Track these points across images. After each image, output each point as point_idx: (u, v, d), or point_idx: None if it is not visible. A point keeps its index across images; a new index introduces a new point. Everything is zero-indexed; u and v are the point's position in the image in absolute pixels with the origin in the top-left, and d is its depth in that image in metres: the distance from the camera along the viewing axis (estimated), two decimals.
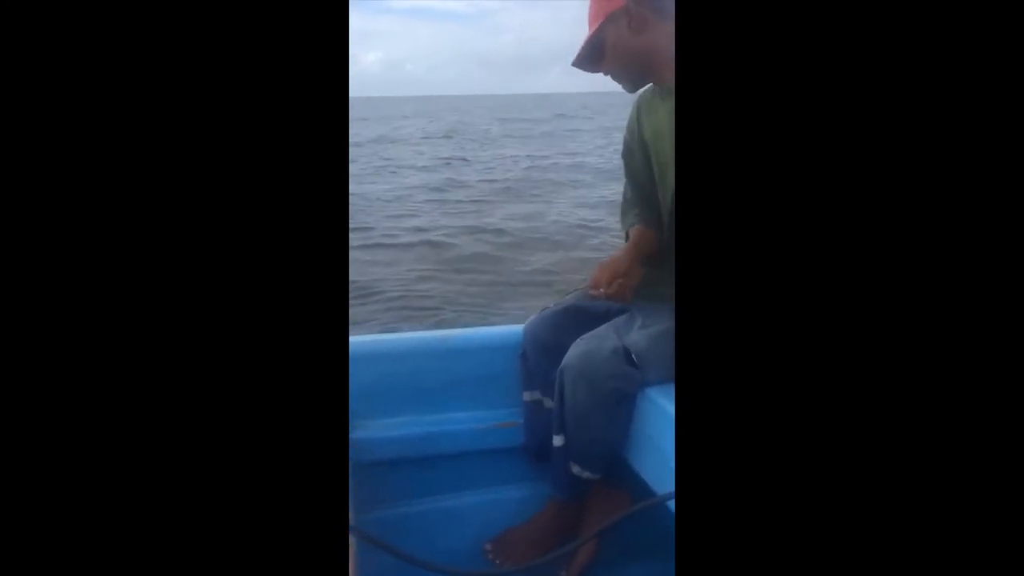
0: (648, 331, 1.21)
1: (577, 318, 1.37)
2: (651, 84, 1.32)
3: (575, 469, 1.27)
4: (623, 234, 1.45)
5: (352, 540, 0.88)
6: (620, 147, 1.47)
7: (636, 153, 1.40)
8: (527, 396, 1.43)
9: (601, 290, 1.28)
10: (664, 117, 1.27)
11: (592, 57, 1.26)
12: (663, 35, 1.19)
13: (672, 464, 1.10)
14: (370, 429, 1.39)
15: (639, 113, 1.38)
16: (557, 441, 1.28)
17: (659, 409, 1.16)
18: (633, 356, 1.18)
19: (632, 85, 1.29)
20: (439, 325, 4.12)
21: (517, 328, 1.46)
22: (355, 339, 1.41)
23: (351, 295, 4.53)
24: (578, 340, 1.24)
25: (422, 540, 1.40)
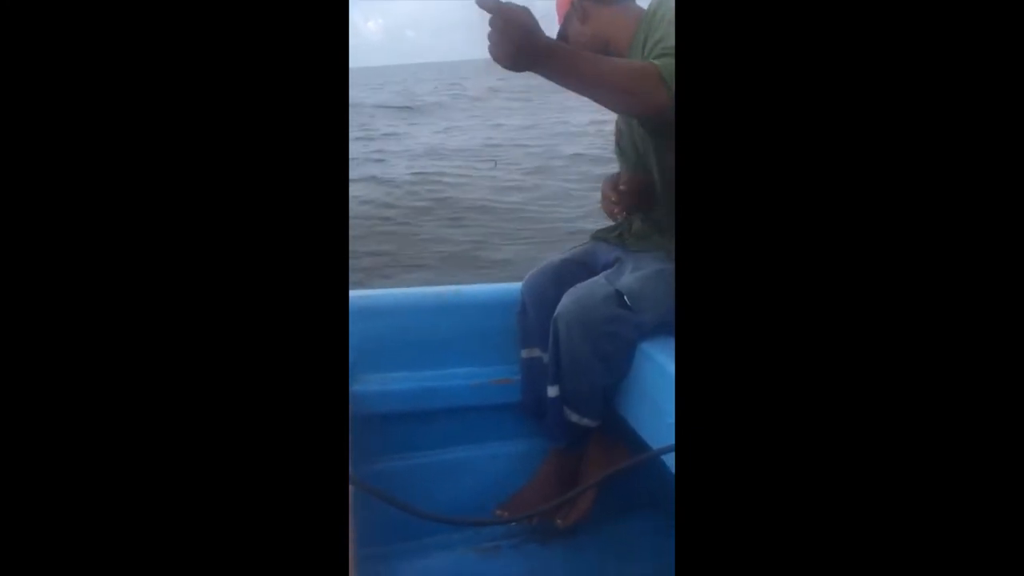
0: (638, 274, 1.22)
1: (576, 272, 1.37)
2: None
3: (573, 416, 1.28)
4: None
5: (351, 491, 0.89)
6: None
7: (623, 132, 1.44)
8: (525, 353, 1.43)
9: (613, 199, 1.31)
10: None
11: None
12: (605, 20, 1.31)
13: (668, 419, 1.10)
14: (368, 383, 1.39)
15: None
16: (552, 392, 1.28)
17: (655, 364, 1.16)
18: (625, 298, 1.18)
19: None
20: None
21: (515, 285, 1.45)
22: (354, 293, 1.40)
23: None
24: (570, 290, 1.24)
25: (418, 493, 1.40)
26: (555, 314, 1.24)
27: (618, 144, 1.46)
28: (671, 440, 0.97)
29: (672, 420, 1.10)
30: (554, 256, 1.45)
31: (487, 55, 0.96)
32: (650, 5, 1.28)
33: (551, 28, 1.35)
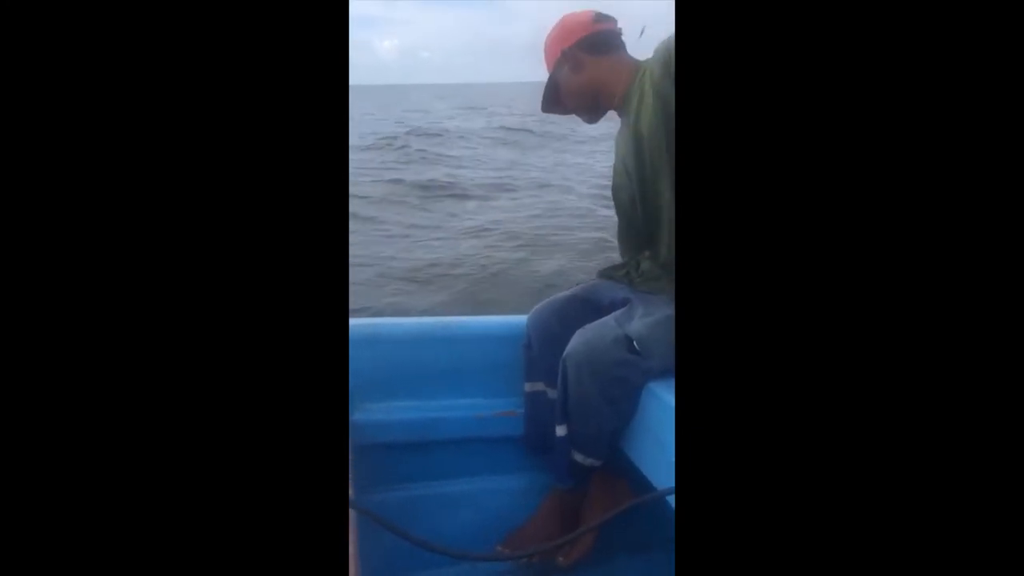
0: (648, 320, 1.22)
1: (581, 309, 1.38)
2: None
3: (579, 457, 1.27)
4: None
5: (352, 518, 0.89)
6: None
7: (615, 169, 1.45)
8: (529, 387, 1.43)
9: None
10: (627, 137, 1.34)
11: (554, 100, 1.42)
12: (600, 70, 1.33)
13: (671, 456, 1.10)
14: (372, 412, 1.39)
15: (616, 143, 1.44)
16: (560, 431, 1.28)
17: (659, 401, 1.16)
18: (635, 343, 1.19)
19: (588, 117, 1.42)
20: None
21: (520, 318, 1.46)
22: (359, 322, 1.41)
23: None
24: (580, 330, 1.24)
25: (420, 524, 1.40)
26: (564, 354, 1.24)
27: (615, 190, 1.46)
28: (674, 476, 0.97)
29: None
30: (560, 292, 1.45)
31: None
32: (647, 61, 1.29)
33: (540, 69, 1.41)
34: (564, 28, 1.34)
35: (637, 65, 1.32)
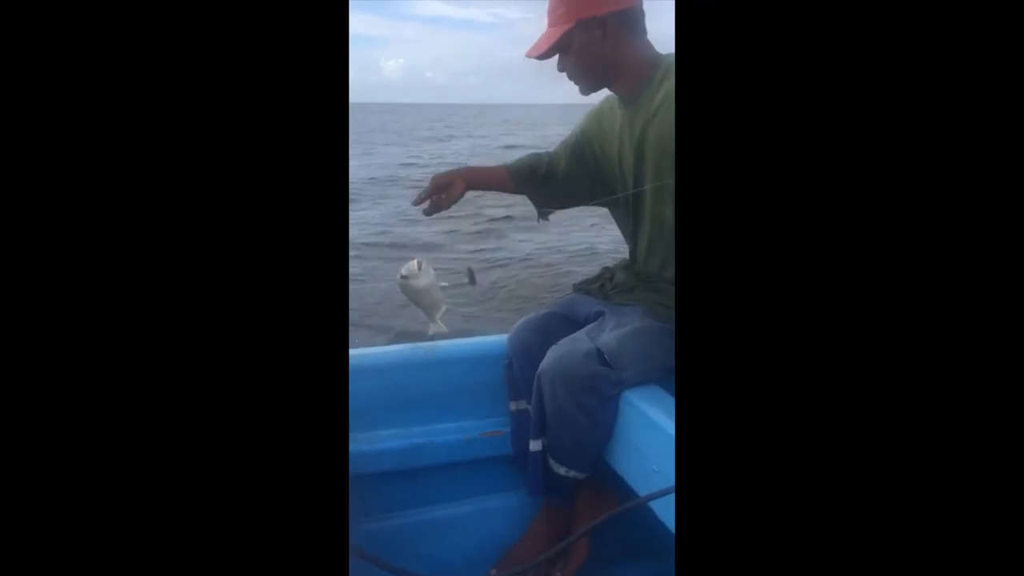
0: (618, 331, 1.22)
1: (559, 325, 1.38)
2: (610, 93, 1.35)
3: (560, 469, 1.27)
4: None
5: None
6: None
7: (587, 147, 1.44)
8: (513, 406, 1.43)
9: (422, 199, 1.33)
10: (622, 122, 1.32)
11: (562, 54, 1.28)
12: (633, 51, 1.25)
13: (653, 466, 1.10)
14: (359, 442, 1.40)
15: (600, 116, 1.42)
16: (534, 446, 1.28)
17: (636, 411, 1.16)
18: (605, 356, 1.19)
19: (589, 89, 1.32)
20: None
21: (502, 338, 1.46)
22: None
23: None
24: (554, 346, 1.25)
25: (414, 552, 1.40)
26: (539, 370, 1.25)
27: (572, 150, 1.45)
28: (656, 487, 0.97)
29: (657, 467, 1.10)
30: (539, 309, 1.46)
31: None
32: (668, 57, 1.27)
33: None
34: None
35: (658, 58, 1.27)
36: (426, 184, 1.33)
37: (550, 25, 1.26)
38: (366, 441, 1.40)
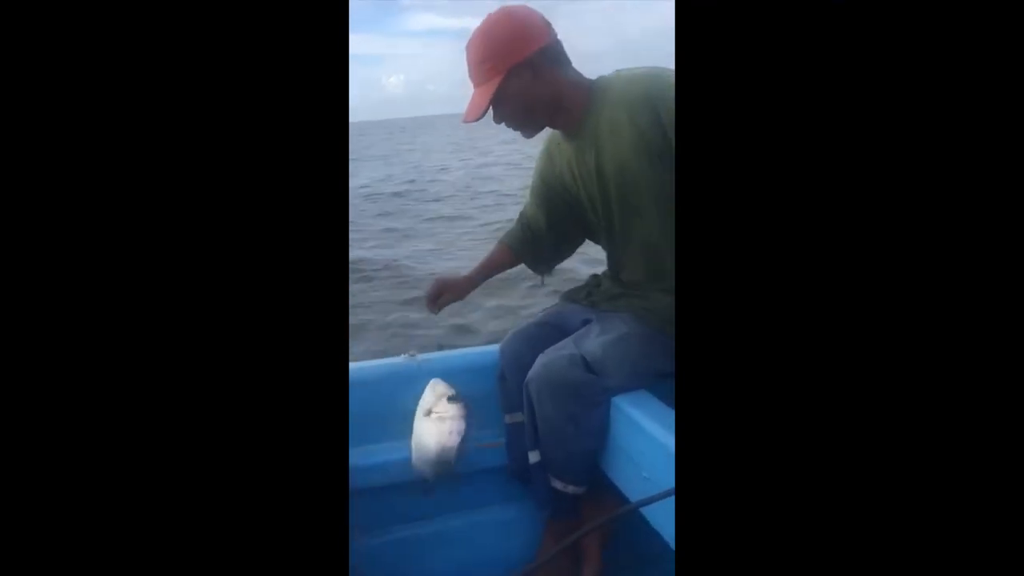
0: (603, 338, 1.23)
1: (550, 334, 1.38)
2: (552, 131, 1.36)
3: (557, 484, 1.27)
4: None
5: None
6: None
7: (550, 189, 1.45)
8: (508, 419, 1.43)
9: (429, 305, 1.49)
10: (571, 155, 1.34)
11: (492, 107, 1.26)
12: (566, 82, 1.25)
13: (643, 472, 1.10)
14: (354, 456, 1.40)
15: (550, 155, 1.42)
16: (533, 457, 1.28)
17: (626, 417, 1.16)
18: (590, 362, 1.19)
19: (532, 131, 1.32)
20: None
21: (494, 348, 1.46)
22: None
23: None
24: (541, 355, 1.26)
25: (412, 565, 1.40)
26: (527, 379, 1.25)
27: (539, 194, 1.47)
28: (648, 492, 0.97)
29: (647, 474, 1.10)
30: (529, 320, 1.46)
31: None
32: (600, 81, 1.27)
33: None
34: (518, 32, 1.21)
35: (589, 83, 1.27)
36: (430, 287, 1.48)
37: (477, 84, 1.23)
38: (362, 455, 1.40)
